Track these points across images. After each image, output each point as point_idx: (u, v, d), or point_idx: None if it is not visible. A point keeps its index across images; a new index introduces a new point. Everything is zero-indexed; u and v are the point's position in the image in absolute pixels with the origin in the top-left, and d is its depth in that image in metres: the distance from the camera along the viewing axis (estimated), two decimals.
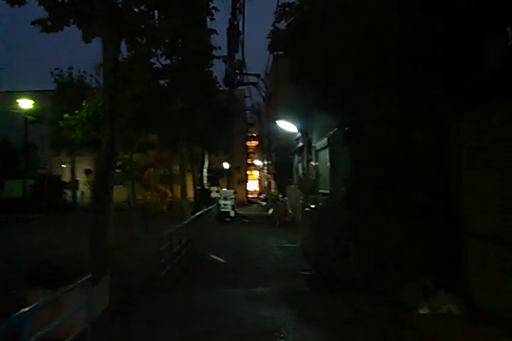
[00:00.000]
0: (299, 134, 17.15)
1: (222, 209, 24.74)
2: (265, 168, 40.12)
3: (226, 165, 37.39)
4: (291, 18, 8.81)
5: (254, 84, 28.37)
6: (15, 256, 10.74)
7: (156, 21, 11.31)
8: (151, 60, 18.59)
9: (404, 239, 6.81)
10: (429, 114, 7.08)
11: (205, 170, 29.08)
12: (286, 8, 8.98)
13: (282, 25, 9.17)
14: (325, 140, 11.93)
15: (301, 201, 15.87)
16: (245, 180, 49.80)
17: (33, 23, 9.12)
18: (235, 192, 28.10)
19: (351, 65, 7.19)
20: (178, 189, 25.20)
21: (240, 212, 30.34)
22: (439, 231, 6.81)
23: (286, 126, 16.85)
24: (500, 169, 5.63)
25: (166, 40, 16.93)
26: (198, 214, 17.12)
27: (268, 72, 30.20)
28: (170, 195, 30.59)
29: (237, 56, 24.92)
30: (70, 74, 28.07)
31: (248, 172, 51.99)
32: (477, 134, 6.20)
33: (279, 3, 9.08)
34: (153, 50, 17.49)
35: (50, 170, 31.67)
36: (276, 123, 18.23)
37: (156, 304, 7.21)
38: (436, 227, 6.83)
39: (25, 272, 8.18)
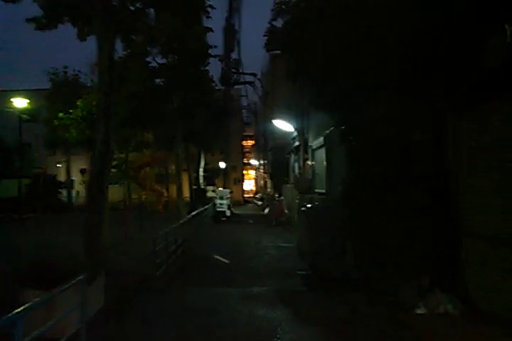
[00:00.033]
0: (296, 133, 17.10)
1: (218, 209, 24.76)
2: (261, 167, 40.11)
3: (222, 165, 37.43)
4: (288, 16, 8.78)
5: (250, 83, 28.42)
6: (9, 256, 10.63)
7: (153, 20, 11.29)
8: (147, 59, 18.57)
9: (404, 239, 6.78)
10: (429, 114, 7.06)
11: (201, 170, 29.03)
12: (283, 6, 8.93)
13: (279, 23, 9.14)
14: (321, 139, 11.91)
15: (297, 200, 15.86)
16: (241, 180, 49.88)
17: (28, 20, 9.08)
18: (231, 192, 28.13)
19: (351, 64, 7.16)
20: (173, 188, 25.16)
21: (236, 211, 30.33)
22: (438, 231, 6.78)
23: (283, 125, 16.82)
24: (500, 169, 5.60)
25: (163, 39, 16.88)
26: (193, 213, 17.11)
27: (264, 71, 30.12)
28: (166, 194, 30.50)
29: (234, 55, 24.95)
30: (65, 73, 27.93)
31: (244, 171, 52.03)
32: (477, 134, 6.18)
33: (276, 1, 8.98)
34: (149, 48, 17.45)
35: (46, 170, 31.58)
36: (272, 123, 18.20)
37: (151, 304, 7.16)
38: (436, 227, 6.79)
39: (19, 272, 8.08)
